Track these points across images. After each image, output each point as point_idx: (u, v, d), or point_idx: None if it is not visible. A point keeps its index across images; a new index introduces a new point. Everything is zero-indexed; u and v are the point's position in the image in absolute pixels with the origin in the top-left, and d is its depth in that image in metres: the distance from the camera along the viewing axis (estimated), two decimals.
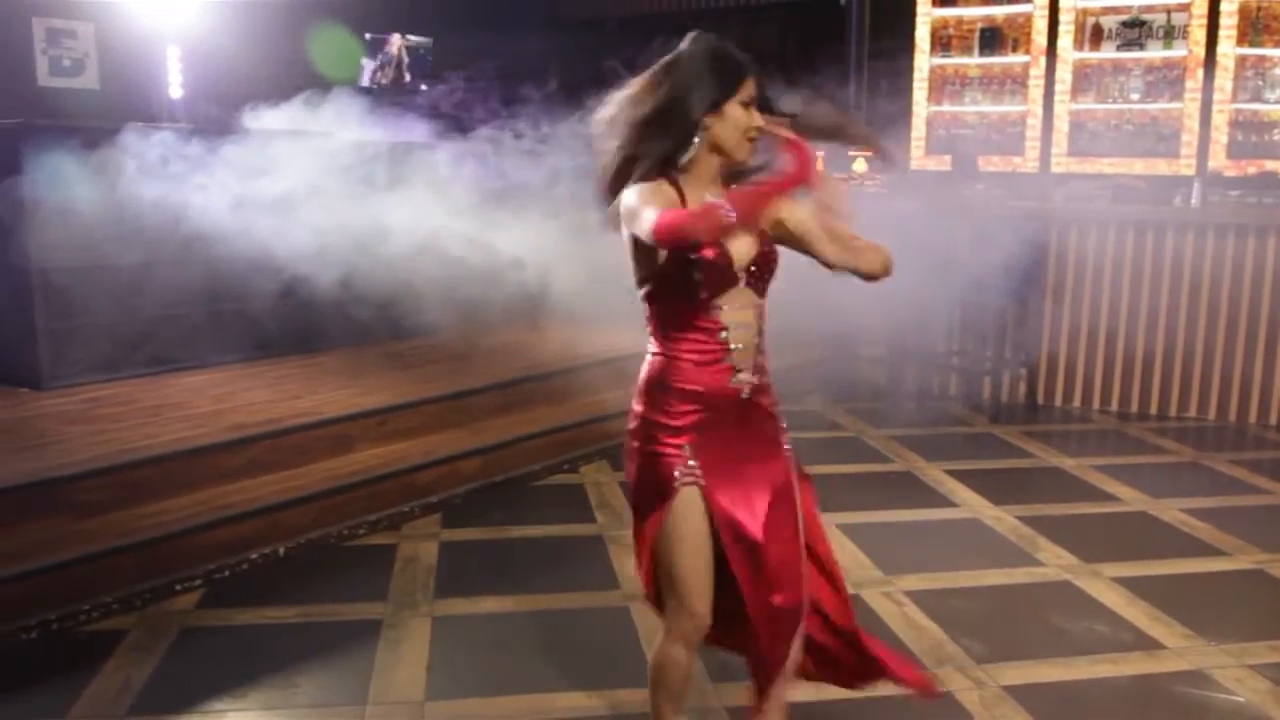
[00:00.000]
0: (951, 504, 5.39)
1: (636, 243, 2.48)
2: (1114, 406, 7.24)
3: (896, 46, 8.95)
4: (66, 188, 5.74)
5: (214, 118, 7.41)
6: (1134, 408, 7.19)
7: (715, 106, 2.46)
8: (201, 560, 4.28)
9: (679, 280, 2.49)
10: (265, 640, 3.87)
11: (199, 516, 4.37)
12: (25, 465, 4.34)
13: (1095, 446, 6.59)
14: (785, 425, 2.75)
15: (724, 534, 2.60)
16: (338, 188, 6.63)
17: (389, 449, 5.25)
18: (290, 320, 6.55)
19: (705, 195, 2.49)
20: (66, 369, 5.58)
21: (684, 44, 2.53)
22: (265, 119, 7.82)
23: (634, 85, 2.53)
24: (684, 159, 2.50)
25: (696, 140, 2.48)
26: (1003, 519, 5.16)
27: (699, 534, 2.59)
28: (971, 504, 5.37)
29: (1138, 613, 4.14)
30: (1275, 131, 7.99)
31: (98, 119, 6.88)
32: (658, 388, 2.59)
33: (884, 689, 3.51)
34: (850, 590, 4.28)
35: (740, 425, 2.62)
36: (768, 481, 2.65)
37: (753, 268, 2.54)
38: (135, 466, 4.42)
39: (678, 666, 2.70)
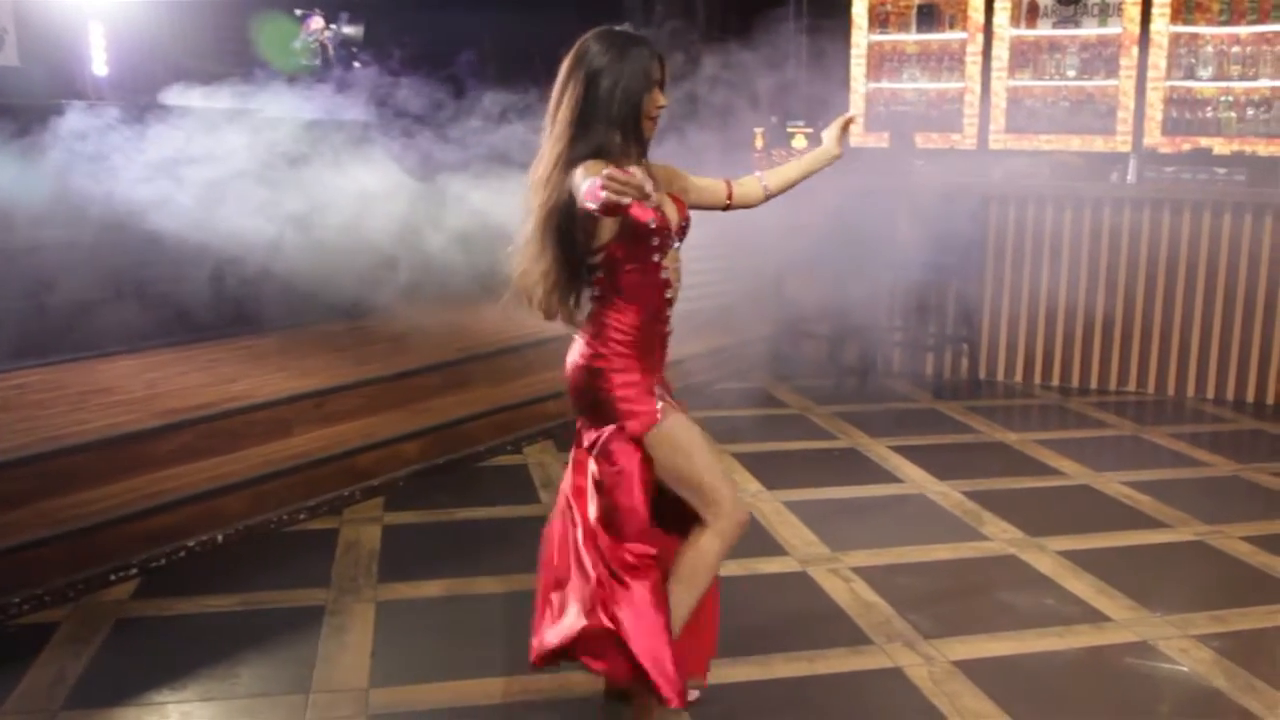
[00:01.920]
0: (897, 480, 5.39)
1: (591, 215, 2.61)
2: (1055, 381, 7.30)
3: (835, 22, 8.94)
4: None
5: (142, 96, 7.21)
6: (1075, 382, 7.26)
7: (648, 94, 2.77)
8: (136, 549, 4.15)
9: (640, 246, 2.76)
10: (204, 629, 3.77)
11: (132, 504, 4.24)
12: None
13: (1037, 421, 6.64)
14: None
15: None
16: (269, 168, 6.50)
17: (327, 432, 5.15)
18: (222, 303, 6.41)
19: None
20: None
21: (598, 42, 2.76)
22: (194, 97, 7.65)
23: (573, 82, 2.74)
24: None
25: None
26: (948, 494, 5.17)
27: (699, 438, 2.87)
28: (917, 480, 5.38)
29: (1083, 585, 4.16)
30: (1208, 108, 8.08)
31: (19, 97, 6.63)
32: (617, 337, 2.80)
33: (836, 664, 3.53)
34: (797, 567, 4.33)
35: (663, 364, 2.95)
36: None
37: (681, 228, 2.88)
38: (64, 454, 4.28)
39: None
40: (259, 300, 6.57)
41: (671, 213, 2.83)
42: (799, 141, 7.91)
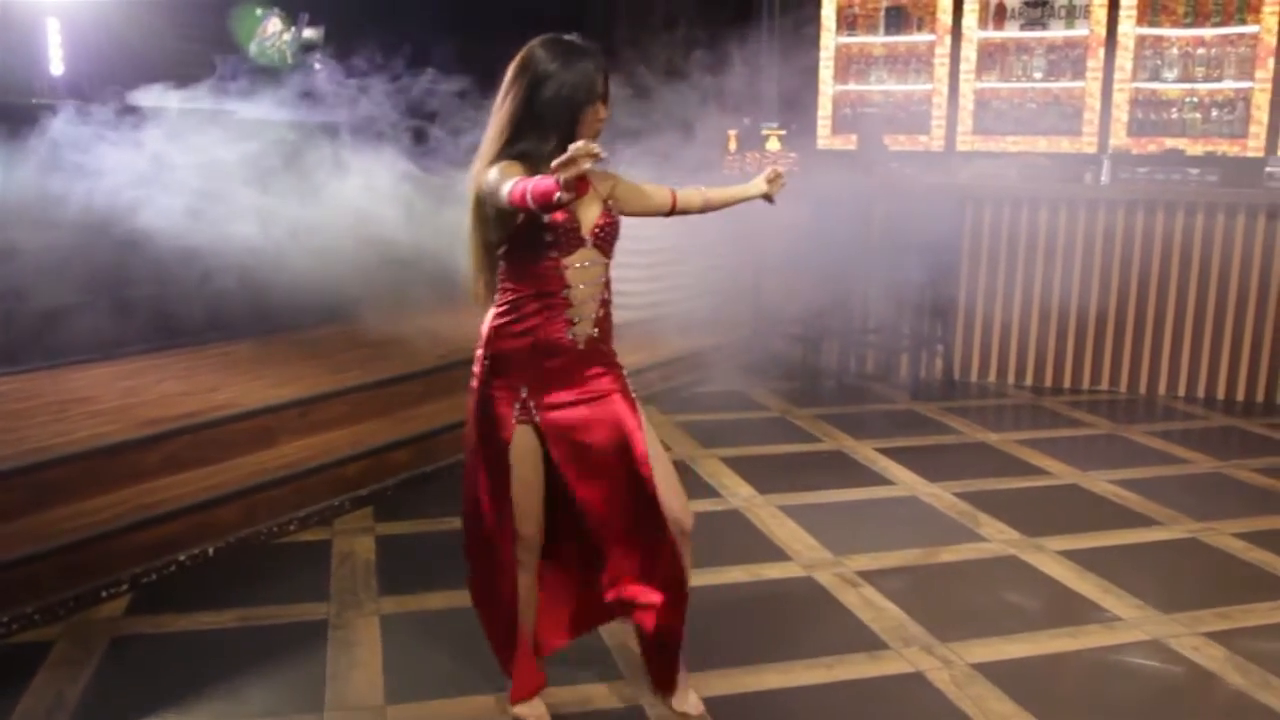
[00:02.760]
0: (887, 482, 5.38)
1: (497, 209, 2.76)
2: (1028, 381, 7.35)
3: (803, 24, 8.94)
4: None
5: (108, 95, 7.04)
6: (1047, 382, 7.31)
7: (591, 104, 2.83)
8: (126, 564, 4.02)
9: (532, 240, 2.82)
10: (205, 647, 3.65)
11: (120, 518, 4.10)
12: None
13: (1015, 421, 6.67)
14: (624, 374, 3.05)
15: (565, 471, 2.95)
16: (239, 169, 6.38)
17: (313, 441, 5.03)
18: (194, 308, 6.27)
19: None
20: None
21: (544, 49, 2.82)
22: (157, 98, 7.47)
23: (516, 86, 2.82)
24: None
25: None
26: (940, 496, 5.17)
27: (534, 468, 2.96)
28: (907, 482, 5.37)
29: (1087, 585, 4.17)
30: (1173, 110, 8.18)
31: None
32: (501, 335, 2.91)
33: (857, 670, 3.49)
34: (802, 572, 4.29)
35: (575, 373, 2.93)
36: (603, 424, 2.95)
37: (598, 230, 2.89)
38: (51, 466, 4.14)
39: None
40: (230, 306, 6.43)
41: (587, 215, 2.88)
42: (773, 144, 7.89)
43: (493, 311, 2.95)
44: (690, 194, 3.20)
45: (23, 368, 5.44)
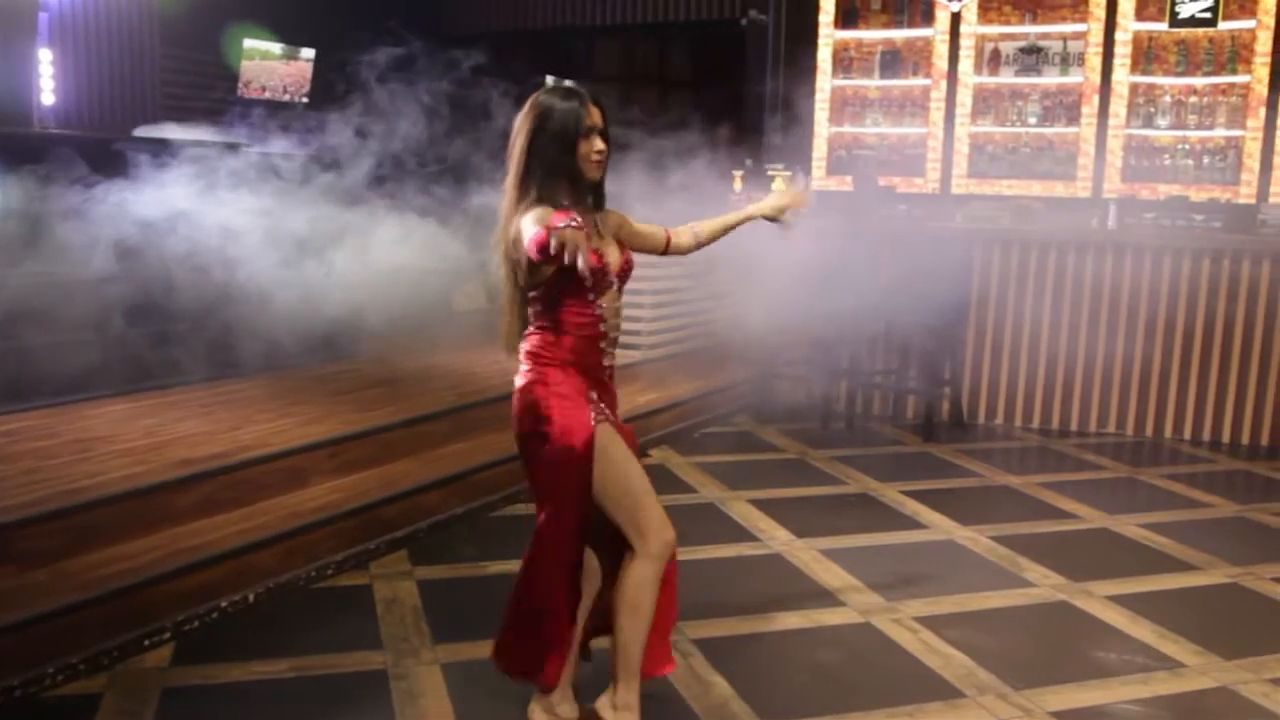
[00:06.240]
0: (921, 525, 5.35)
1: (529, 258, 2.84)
2: (1035, 424, 7.38)
3: (799, 67, 8.99)
4: None
5: (90, 128, 6.91)
6: (1055, 424, 7.34)
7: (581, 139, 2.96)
8: (168, 611, 3.86)
9: (572, 287, 2.95)
10: (263, 698, 3.51)
11: (159, 563, 3.95)
12: None
13: (1031, 464, 6.66)
14: None
15: None
16: (242, 202, 6.29)
17: (344, 482, 4.91)
18: (203, 344, 6.14)
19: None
20: None
21: (539, 96, 2.99)
22: (157, 130, 7.38)
23: (520, 135, 2.98)
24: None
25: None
26: (976, 539, 5.14)
27: (631, 456, 3.06)
28: (940, 525, 5.34)
29: (1143, 630, 4.14)
30: (1166, 156, 8.31)
31: None
32: (550, 359, 3.01)
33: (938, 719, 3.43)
34: (859, 618, 4.23)
35: (608, 389, 3.12)
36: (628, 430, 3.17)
37: (621, 271, 3.10)
38: (85, 509, 3.98)
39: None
40: (238, 341, 6.30)
41: (613, 256, 3.06)
42: (778, 184, 7.88)
43: (536, 338, 3.04)
44: (681, 233, 3.36)
45: (33, 404, 5.26)
